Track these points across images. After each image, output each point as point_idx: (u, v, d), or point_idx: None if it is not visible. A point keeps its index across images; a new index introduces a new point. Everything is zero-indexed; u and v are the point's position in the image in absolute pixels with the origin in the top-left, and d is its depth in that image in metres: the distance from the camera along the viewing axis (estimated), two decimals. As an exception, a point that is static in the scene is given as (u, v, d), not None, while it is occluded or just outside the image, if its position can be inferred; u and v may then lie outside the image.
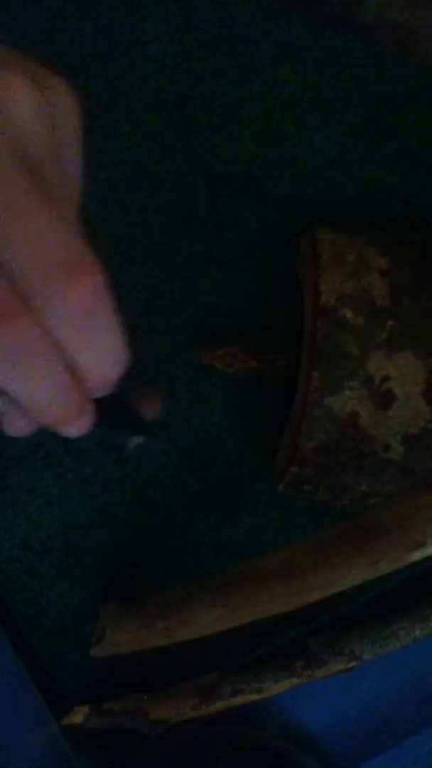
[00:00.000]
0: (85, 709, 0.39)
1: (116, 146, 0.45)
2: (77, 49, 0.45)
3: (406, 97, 0.46)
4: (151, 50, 0.46)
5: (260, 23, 0.46)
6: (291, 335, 0.42)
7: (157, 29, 0.46)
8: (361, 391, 0.38)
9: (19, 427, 0.26)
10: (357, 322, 0.39)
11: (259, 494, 0.44)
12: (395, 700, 0.42)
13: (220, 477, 0.43)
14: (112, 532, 0.43)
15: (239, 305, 0.45)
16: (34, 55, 0.25)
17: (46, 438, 0.43)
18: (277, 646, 0.42)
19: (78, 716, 0.39)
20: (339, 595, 0.34)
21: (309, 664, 0.39)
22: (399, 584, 0.43)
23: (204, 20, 0.46)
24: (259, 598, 0.33)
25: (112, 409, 0.27)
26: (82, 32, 0.45)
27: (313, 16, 0.44)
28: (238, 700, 0.39)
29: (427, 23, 0.41)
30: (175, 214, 0.45)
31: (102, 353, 0.23)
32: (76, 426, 0.25)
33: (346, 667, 0.39)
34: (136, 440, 0.37)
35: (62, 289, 0.21)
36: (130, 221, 0.45)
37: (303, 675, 0.39)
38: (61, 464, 0.43)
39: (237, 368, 0.42)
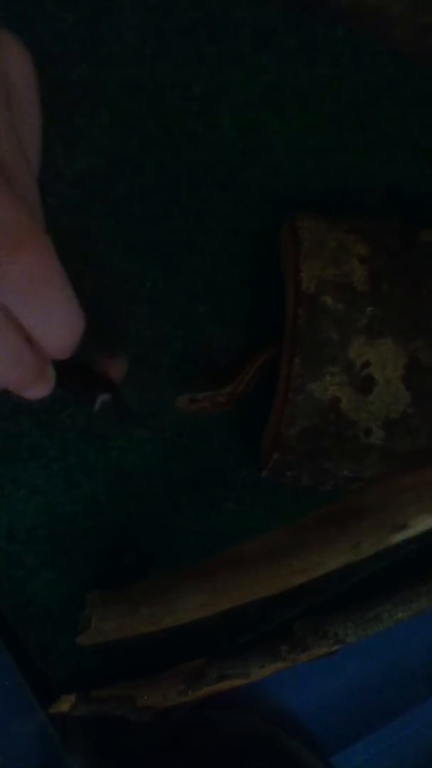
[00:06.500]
0: (72, 697, 0.39)
1: (96, 135, 0.45)
2: (56, 37, 0.45)
3: (385, 85, 0.47)
4: (130, 38, 0.45)
5: (239, 11, 0.46)
6: (273, 322, 0.43)
7: (136, 17, 0.45)
8: (342, 377, 0.39)
9: None
10: (337, 308, 0.39)
11: (243, 481, 0.44)
12: (379, 681, 0.43)
13: (204, 465, 0.44)
14: (98, 521, 0.43)
15: (221, 293, 0.45)
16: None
17: (29, 428, 0.43)
18: (263, 632, 0.42)
19: (65, 704, 0.39)
20: (323, 580, 0.34)
21: (294, 648, 0.39)
22: (382, 568, 0.43)
23: (183, 8, 0.46)
24: (243, 583, 0.33)
25: (75, 370, 0.27)
26: (61, 20, 0.45)
27: (290, 1, 0.44)
28: (224, 685, 0.40)
29: (402, 7, 0.42)
30: (156, 203, 0.45)
31: (54, 321, 0.23)
32: (38, 389, 0.25)
33: (329, 650, 0.40)
34: (103, 398, 0.37)
35: (6, 260, 0.21)
36: (110, 210, 0.45)
37: (288, 659, 0.40)
38: (45, 454, 0.43)
39: (226, 405, 0.42)
